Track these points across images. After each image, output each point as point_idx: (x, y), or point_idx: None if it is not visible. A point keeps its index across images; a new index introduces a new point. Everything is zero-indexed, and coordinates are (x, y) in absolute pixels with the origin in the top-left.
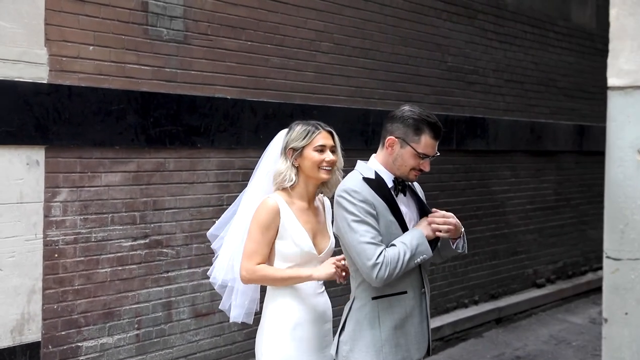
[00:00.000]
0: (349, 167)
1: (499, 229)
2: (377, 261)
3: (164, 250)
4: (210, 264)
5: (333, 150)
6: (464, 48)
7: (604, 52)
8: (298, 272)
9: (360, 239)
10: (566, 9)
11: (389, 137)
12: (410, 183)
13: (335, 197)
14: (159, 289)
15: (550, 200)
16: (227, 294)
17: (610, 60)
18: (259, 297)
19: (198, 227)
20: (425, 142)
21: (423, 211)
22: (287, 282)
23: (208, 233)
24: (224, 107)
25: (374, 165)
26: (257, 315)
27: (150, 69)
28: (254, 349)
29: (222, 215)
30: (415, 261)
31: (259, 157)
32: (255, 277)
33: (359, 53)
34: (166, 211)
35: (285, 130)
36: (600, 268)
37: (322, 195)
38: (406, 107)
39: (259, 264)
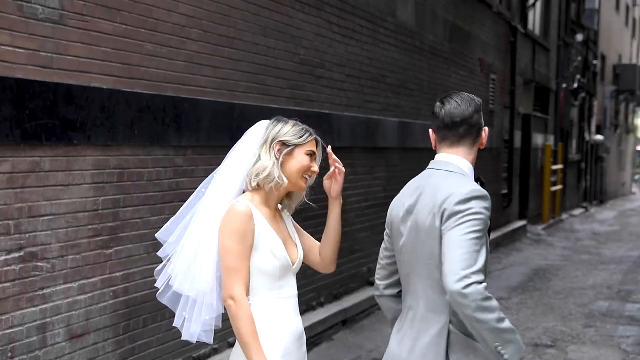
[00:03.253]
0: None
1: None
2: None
3: (39, 264)
4: (88, 277)
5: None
6: (314, 41)
7: (422, 50)
8: (260, 351)
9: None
10: (393, 4)
11: (484, 128)
12: None
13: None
14: (34, 309)
15: (380, 197)
16: (182, 307)
17: None
18: (223, 311)
19: (74, 236)
20: None
21: None
22: (246, 348)
23: (157, 235)
24: (100, 98)
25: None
26: (218, 332)
27: (25, 52)
28: None
29: (172, 219)
30: None
31: (135, 156)
32: (234, 311)
33: (225, 42)
34: (42, 218)
35: (265, 123)
36: None
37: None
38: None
39: (244, 287)
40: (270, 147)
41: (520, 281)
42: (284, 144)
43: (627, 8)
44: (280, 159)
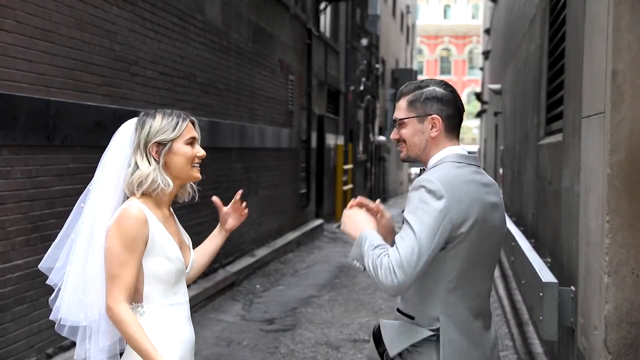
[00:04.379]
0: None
1: None
2: None
3: None
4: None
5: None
6: (128, 36)
7: (228, 49)
8: (153, 353)
9: None
10: (202, 2)
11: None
12: None
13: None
14: None
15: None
16: (81, 338)
17: None
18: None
19: None
20: None
21: None
22: (138, 351)
23: (40, 266)
24: None
25: None
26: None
27: None
28: None
29: (55, 242)
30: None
31: None
32: (116, 319)
33: (40, 35)
34: None
35: (131, 123)
36: (230, 263)
37: None
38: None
39: (127, 294)
40: (145, 151)
41: (326, 278)
42: (159, 144)
43: (402, 15)
44: (161, 161)
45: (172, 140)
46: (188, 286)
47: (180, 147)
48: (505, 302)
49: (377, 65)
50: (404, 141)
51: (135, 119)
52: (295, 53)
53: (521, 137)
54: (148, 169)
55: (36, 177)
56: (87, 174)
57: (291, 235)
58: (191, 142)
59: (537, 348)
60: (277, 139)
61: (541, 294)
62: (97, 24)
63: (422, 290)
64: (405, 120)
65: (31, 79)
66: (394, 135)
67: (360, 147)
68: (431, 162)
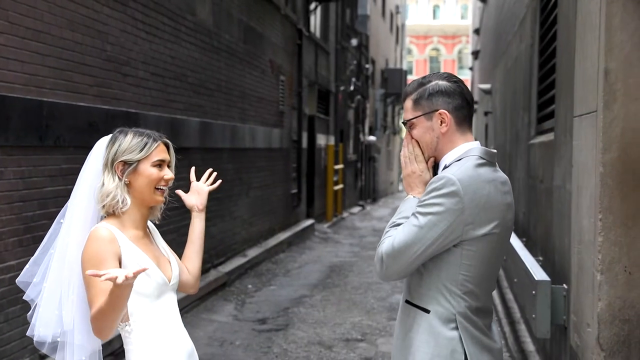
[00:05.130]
0: (19, 169)
1: None
2: None
3: None
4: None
5: (169, 166)
6: (119, 37)
7: (219, 50)
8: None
9: None
10: (192, 3)
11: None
12: None
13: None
14: None
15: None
16: (60, 353)
17: None
18: (101, 348)
19: None
20: None
21: None
22: (114, 294)
23: (17, 280)
24: None
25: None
26: None
27: None
28: None
29: (33, 257)
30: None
31: None
32: (98, 323)
33: (32, 35)
34: None
35: (106, 139)
36: (221, 263)
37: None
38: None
39: None
40: (112, 168)
41: (318, 278)
42: (125, 163)
43: (392, 15)
44: (125, 180)
45: (139, 160)
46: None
47: (146, 168)
48: (497, 300)
49: (367, 66)
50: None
51: (108, 138)
52: (286, 53)
53: (512, 136)
54: (111, 185)
55: (29, 177)
56: None
57: (282, 236)
58: (159, 164)
59: (529, 346)
60: (268, 139)
61: (534, 292)
62: (89, 25)
63: (439, 285)
64: (414, 120)
65: (23, 79)
66: (406, 137)
67: (351, 147)
68: (447, 159)
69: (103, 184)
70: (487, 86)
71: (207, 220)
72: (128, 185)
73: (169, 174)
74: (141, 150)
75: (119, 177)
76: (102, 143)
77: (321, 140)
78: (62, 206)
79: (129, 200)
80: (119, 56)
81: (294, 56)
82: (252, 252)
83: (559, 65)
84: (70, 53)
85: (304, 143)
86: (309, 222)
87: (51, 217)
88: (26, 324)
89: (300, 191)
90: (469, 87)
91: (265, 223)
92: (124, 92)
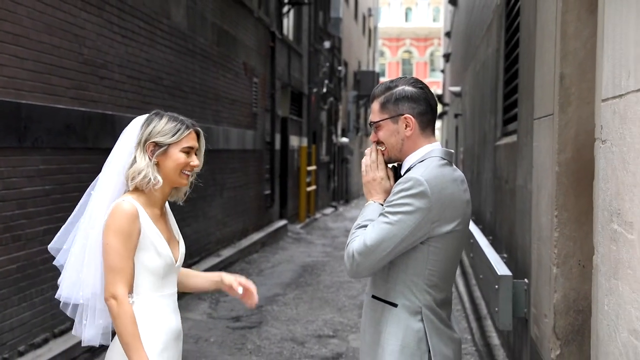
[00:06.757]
0: None
1: None
2: None
3: None
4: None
5: (196, 153)
6: (96, 40)
7: (194, 53)
8: (140, 351)
9: None
10: (167, 6)
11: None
12: None
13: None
14: None
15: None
16: (80, 314)
17: None
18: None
19: None
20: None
21: None
22: (126, 347)
23: (49, 247)
24: None
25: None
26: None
27: None
28: None
29: (64, 226)
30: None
31: None
32: (115, 311)
33: (11, 39)
34: None
35: (141, 119)
36: (195, 263)
37: None
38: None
39: (127, 287)
40: (144, 148)
41: (291, 277)
42: (156, 144)
43: (364, 18)
44: (154, 160)
45: (169, 144)
46: None
47: (175, 153)
48: (465, 297)
49: (340, 68)
50: (383, 143)
51: (143, 117)
52: (259, 56)
53: (480, 138)
54: (142, 163)
55: (7, 178)
56: (57, 175)
57: (256, 236)
58: (188, 150)
59: (495, 340)
60: (242, 141)
61: (497, 286)
62: (66, 29)
63: (406, 280)
64: (380, 122)
65: (2, 82)
66: (372, 137)
67: (324, 149)
68: (410, 160)
69: (135, 161)
70: (457, 89)
71: (182, 220)
72: (157, 165)
73: (195, 161)
74: (173, 135)
75: (149, 156)
76: (137, 122)
77: (294, 141)
78: (41, 206)
79: (160, 180)
80: (95, 59)
81: (267, 58)
82: (226, 252)
83: (521, 70)
84: (48, 56)
85: (277, 144)
86: (282, 222)
87: (29, 217)
88: (4, 321)
89: (273, 192)
90: (441, 90)
91: (239, 223)
92: (101, 95)
